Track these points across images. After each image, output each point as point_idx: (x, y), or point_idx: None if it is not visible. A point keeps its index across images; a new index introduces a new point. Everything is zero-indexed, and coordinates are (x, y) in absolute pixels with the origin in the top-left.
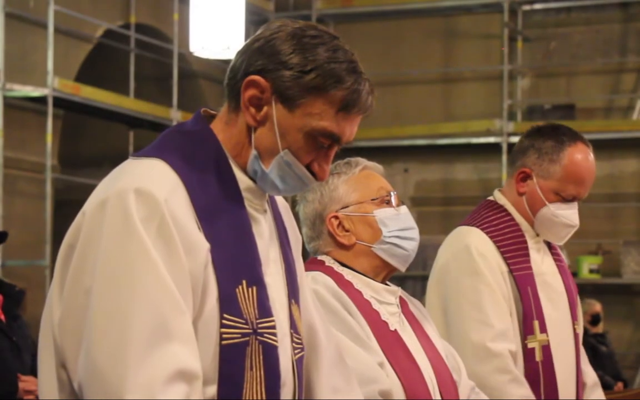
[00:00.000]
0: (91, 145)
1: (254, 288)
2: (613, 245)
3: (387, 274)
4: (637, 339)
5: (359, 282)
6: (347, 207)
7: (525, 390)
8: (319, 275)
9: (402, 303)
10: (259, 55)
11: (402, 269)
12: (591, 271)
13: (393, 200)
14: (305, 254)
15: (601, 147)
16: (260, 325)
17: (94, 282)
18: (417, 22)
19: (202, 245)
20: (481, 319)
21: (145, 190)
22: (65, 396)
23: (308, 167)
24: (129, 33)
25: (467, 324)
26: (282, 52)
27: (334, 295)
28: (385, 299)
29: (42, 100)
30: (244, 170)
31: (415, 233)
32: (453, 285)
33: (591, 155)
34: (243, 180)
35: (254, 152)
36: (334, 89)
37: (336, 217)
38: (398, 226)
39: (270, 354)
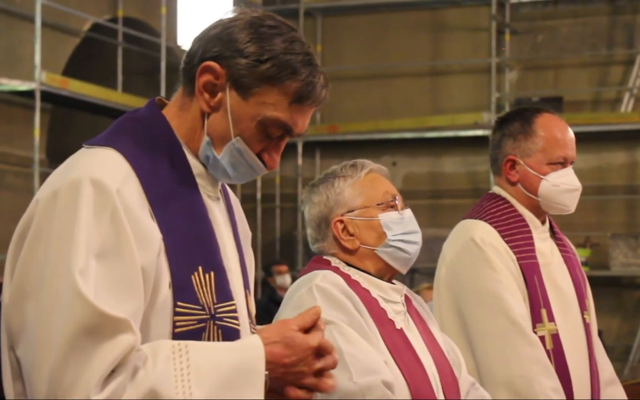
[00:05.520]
0: (79, 139)
1: (212, 273)
2: (601, 237)
3: (391, 276)
4: (625, 331)
5: (366, 281)
6: (352, 211)
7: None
8: (330, 273)
9: (407, 301)
10: (215, 41)
11: (403, 271)
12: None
13: (398, 203)
14: (310, 254)
15: (589, 139)
16: (219, 310)
17: (42, 272)
18: (404, 15)
19: (155, 236)
20: (502, 307)
21: (97, 181)
22: (16, 378)
23: (259, 155)
24: (117, 27)
25: (488, 313)
26: (239, 40)
27: (343, 293)
28: (392, 298)
29: (29, 94)
30: (197, 156)
31: (418, 237)
32: (467, 276)
33: (559, 117)
34: (196, 166)
35: (206, 138)
36: (289, 80)
37: (341, 221)
38: (402, 230)
39: (231, 337)
